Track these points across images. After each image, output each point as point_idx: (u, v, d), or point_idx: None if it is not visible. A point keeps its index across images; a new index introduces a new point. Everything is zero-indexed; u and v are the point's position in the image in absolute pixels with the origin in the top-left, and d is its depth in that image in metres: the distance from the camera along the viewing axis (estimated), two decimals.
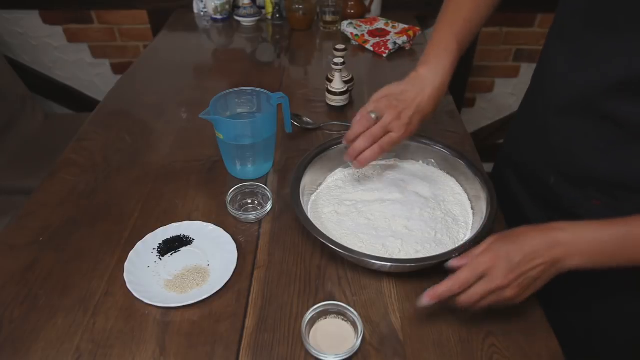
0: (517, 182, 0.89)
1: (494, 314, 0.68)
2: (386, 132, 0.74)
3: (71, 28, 1.96)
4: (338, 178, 0.89)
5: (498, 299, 0.61)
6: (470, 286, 0.60)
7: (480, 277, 0.60)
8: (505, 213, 0.84)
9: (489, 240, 0.63)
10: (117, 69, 2.08)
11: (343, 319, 0.66)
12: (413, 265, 0.71)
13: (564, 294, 0.77)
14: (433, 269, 0.73)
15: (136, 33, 1.97)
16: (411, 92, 0.75)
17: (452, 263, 0.63)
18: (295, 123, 1.05)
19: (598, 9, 0.63)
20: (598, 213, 0.67)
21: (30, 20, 1.92)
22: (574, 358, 0.65)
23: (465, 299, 0.61)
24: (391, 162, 0.92)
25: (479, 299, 0.60)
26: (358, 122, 0.75)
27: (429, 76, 0.76)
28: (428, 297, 0.62)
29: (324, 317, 0.67)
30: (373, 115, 0.73)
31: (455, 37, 0.77)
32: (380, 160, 0.93)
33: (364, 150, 0.75)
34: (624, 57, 0.60)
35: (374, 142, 0.74)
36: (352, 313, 0.65)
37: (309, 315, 0.65)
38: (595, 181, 0.70)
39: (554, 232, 0.60)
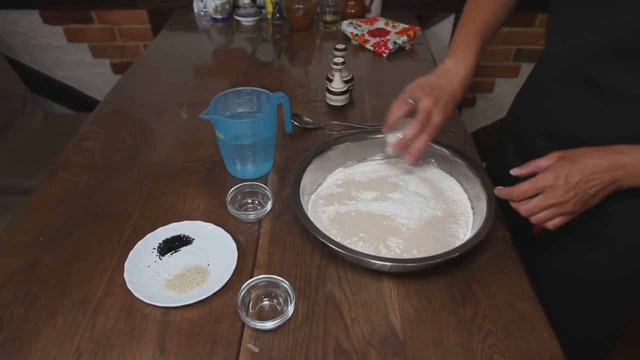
0: (516, 158, 0.93)
1: (494, 314, 0.68)
2: (428, 117, 0.76)
3: (71, 28, 1.95)
4: (338, 178, 0.89)
5: (557, 213, 0.67)
6: (529, 198, 0.67)
7: (540, 192, 0.66)
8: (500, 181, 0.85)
9: (553, 157, 0.67)
10: (117, 69, 2.07)
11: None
12: (413, 265, 0.71)
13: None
14: (433, 268, 0.74)
15: (136, 33, 1.97)
16: (442, 81, 0.79)
17: (516, 171, 0.70)
18: (295, 123, 1.05)
19: None
20: None
21: (30, 20, 1.92)
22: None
23: (525, 209, 0.68)
24: (391, 161, 0.92)
25: (539, 211, 0.67)
26: (397, 106, 0.77)
27: (456, 67, 0.80)
28: (497, 191, 0.72)
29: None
30: (411, 101, 0.75)
31: (477, 33, 0.83)
32: (380, 159, 0.93)
33: (412, 140, 0.77)
34: (604, 27, 0.66)
35: (421, 130, 0.76)
36: (283, 282, 0.68)
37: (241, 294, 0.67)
38: (580, 144, 0.73)
39: (617, 155, 0.65)
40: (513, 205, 0.70)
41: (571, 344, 0.71)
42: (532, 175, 0.69)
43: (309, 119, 1.09)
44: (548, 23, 0.81)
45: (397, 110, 0.76)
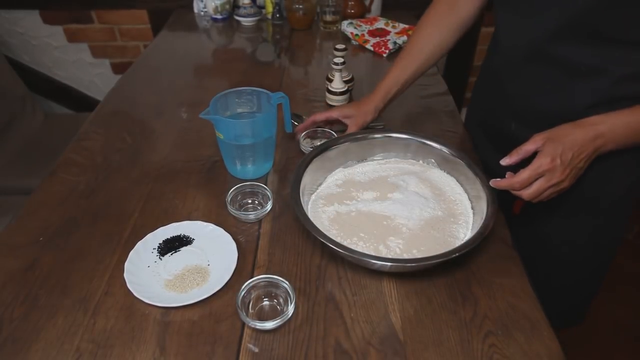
0: (485, 140, 1.01)
1: (494, 314, 0.68)
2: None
3: (71, 28, 1.96)
4: (338, 178, 0.89)
5: (556, 190, 0.72)
6: (530, 184, 0.71)
7: (540, 176, 0.70)
8: None
9: (539, 141, 0.71)
10: (117, 69, 2.07)
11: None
12: (413, 265, 0.71)
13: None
14: (433, 268, 0.74)
15: (136, 33, 1.97)
16: (354, 113, 0.95)
17: (506, 161, 0.73)
18: (295, 123, 1.05)
19: None
20: None
21: (30, 20, 1.92)
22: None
23: (528, 194, 0.72)
24: (391, 161, 0.92)
25: (542, 191, 0.71)
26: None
27: (367, 109, 0.95)
28: (492, 183, 0.75)
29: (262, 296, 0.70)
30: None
31: (397, 83, 0.95)
32: (380, 159, 0.93)
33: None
34: (556, 8, 0.72)
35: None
36: (283, 282, 0.69)
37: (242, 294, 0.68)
38: (549, 120, 0.77)
39: (594, 127, 0.71)
40: (515, 193, 0.74)
41: (551, 308, 0.76)
42: (522, 162, 0.73)
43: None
44: (497, 13, 0.85)
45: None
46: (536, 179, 0.71)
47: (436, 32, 0.94)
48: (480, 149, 1.01)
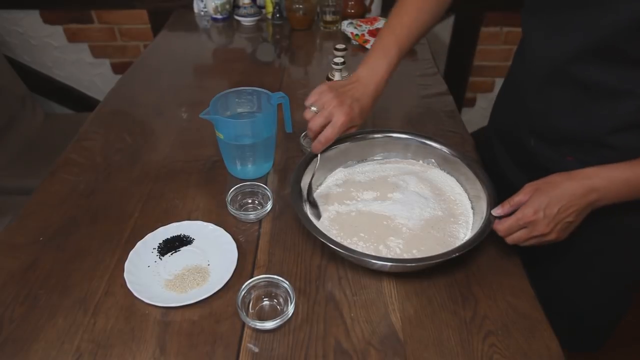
0: (503, 151, 0.96)
1: (494, 314, 0.68)
2: (330, 117, 0.78)
3: (71, 28, 1.95)
4: (338, 178, 0.89)
5: (542, 241, 0.70)
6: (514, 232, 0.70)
7: (523, 227, 0.69)
8: (491, 175, 0.85)
9: (529, 191, 0.70)
10: (117, 69, 2.07)
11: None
12: (413, 265, 0.71)
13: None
14: (433, 268, 0.74)
15: (136, 33, 1.97)
16: (351, 88, 0.81)
17: (498, 212, 0.72)
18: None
19: None
20: (572, 168, 0.71)
21: (30, 20, 1.92)
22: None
23: (510, 240, 0.71)
24: (391, 161, 0.92)
25: (523, 241, 0.70)
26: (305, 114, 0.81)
27: (367, 76, 0.82)
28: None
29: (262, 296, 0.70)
30: (314, 109, 0.79)
31: (395, 41, 0.84)
32: (380, 159, 0.93)
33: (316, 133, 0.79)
34: (586, 28, 0.68)
35: (324, 124, 0.78)
36: (283, 282, 0.69)
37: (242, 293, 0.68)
38: (568, 140, 0.77)
39: (588, 181, 0.68)
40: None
41: (571, 332, 0.75)
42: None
43: None
44: (525, 22, 0.82)
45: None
46: (519, 229, 0.70)
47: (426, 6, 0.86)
48: (500, 162, 0.96)
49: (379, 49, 0.84)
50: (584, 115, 0.75)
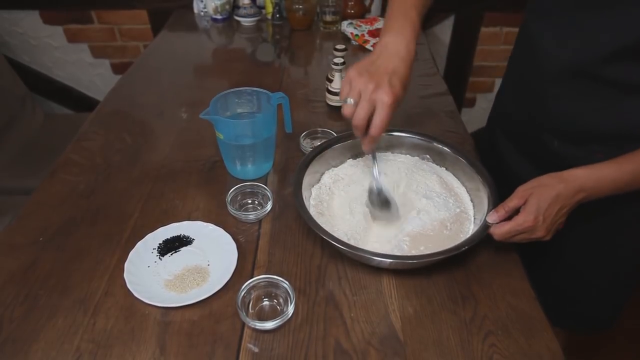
0: (513, 151, 0.95)
1: (494, 314, 0.68)
2: (373, 104, 0.69)
3: (71, 28, 1.95)
4: (338, 175, 0.89)
5: (532, 240, 0.71)
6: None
7: (521, 233, 0.70)
8: (496, 173, 0.84)
9: (522, 194, 0.70)
10: (117, 69, 2.07)
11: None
12: (413, 262, 0.71)
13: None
14: (433, 268, 0.74)
15: (136, 33, 1.97)
16: (382, 61, 0.72)
17: (493, 218, 0.72)
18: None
19: None
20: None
21: (30, 20, 1.92)
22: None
23: (505, 242, 0.72)
24: (391, 156, 0.92)
25: (517, 241, 0.72)
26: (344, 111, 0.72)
27: (396, 43, 0.74)
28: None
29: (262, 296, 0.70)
30: (351, 101, 0.70)
31: (412, 4, 0.77)
32: (380, 154, 0.93)
33: (363, 125, 0.71)
34: (613, 30, 0.68)
35: (369, 111, 0.70)
36: (283, 282, 0.69)
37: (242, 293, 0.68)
38: (596, 137, 0.77)
39: (578, 182, 0.70)
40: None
41: (581, 311, 0.77)
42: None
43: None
44: (532, 23, 0.81)
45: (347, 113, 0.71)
46: (518, 234, 0.70)
47: None
48: (510, 163, 0.95)
49: (398, 12, 0.77)
50: (615, 112, 0.74)
